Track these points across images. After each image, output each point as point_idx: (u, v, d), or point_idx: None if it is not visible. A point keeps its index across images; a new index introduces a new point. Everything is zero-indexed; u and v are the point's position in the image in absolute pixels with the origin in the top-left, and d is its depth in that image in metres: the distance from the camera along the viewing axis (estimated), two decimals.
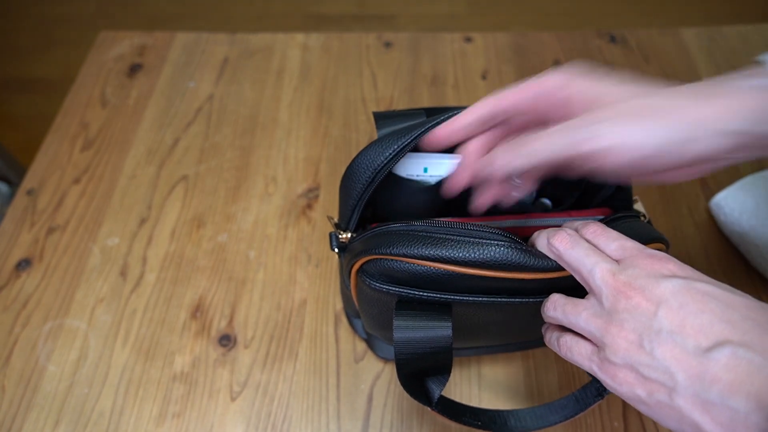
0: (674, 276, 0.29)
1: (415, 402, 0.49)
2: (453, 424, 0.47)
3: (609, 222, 0.37)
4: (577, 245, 0.32)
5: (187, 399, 0.50)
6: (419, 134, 0.37)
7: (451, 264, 0.34)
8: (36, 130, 1.60)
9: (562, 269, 0.34)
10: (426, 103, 0.71)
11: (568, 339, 0.32)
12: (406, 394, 0.50)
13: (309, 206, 0.62)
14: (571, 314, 0.32)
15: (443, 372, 0.37)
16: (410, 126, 0.39)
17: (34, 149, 0.69)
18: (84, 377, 0.51)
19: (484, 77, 0.73)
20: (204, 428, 0.48)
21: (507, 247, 0.33)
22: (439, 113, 0.40)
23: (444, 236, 0.34)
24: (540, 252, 0.34)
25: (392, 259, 0.35)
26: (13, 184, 1.17)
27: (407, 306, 0.36)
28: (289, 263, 0.58)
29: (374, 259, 0.36)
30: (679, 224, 0.60)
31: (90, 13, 1.89)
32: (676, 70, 0.73)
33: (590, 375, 0.39)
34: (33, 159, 0.66)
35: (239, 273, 0.57)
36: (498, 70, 0.74)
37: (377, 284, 0.36)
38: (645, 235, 0.36)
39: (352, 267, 0.38)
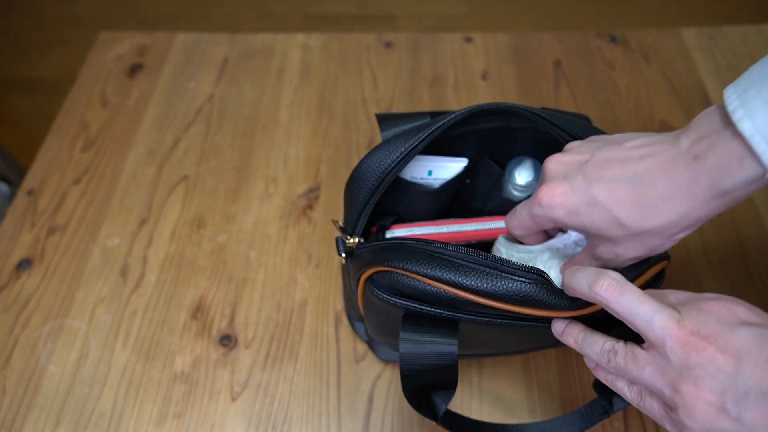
0: (749, 323, 0.25)
1: None
2: None
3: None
4: (627, 291, 0.28)
5: (188, 399, 0.50)
6: (426, 136, 0.37)
7: (465, 291, 0.33)
8: (36, 130, 1.59)
9: (585, 306, 0.33)
10: (426, 103, 0.71)
11: (637, 390, 0.29)
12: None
13: (309, 206, 0.62)
14: (632, 368, 0.28)
15: (449, 387, 0.37)
16: (416, 128, 0.38)
17: (34, 149, 0.69)
18: (84, 378, 0.51)
19: (484, 77, 0.73)
20: (204, 429, 0.48)
21: (526, 284, 0.32)
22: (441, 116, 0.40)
23: (461, 262, 0.34)
24: (564, 293, 0.33)
25: (404, 275, 0.34)
26: (13, 184, 1.17)
27: (414, 321, 0.36)
28: (289, 264, 0.58)
29: (385, 271, 0.36)
30: None
31: (90, 14, 1.89)
32: (676, 70, 0.73)
33: (597, 393, 0.39)
34: (33, 159, 0.66)
35: (239, 273, 0.57)
36: (498, 70, 0.74)
37: (385, 296, 0.36)
38: None
39: (360, 275, 0.38)
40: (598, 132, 0.39)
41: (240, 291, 0.56)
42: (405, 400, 0.49)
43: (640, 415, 0.48)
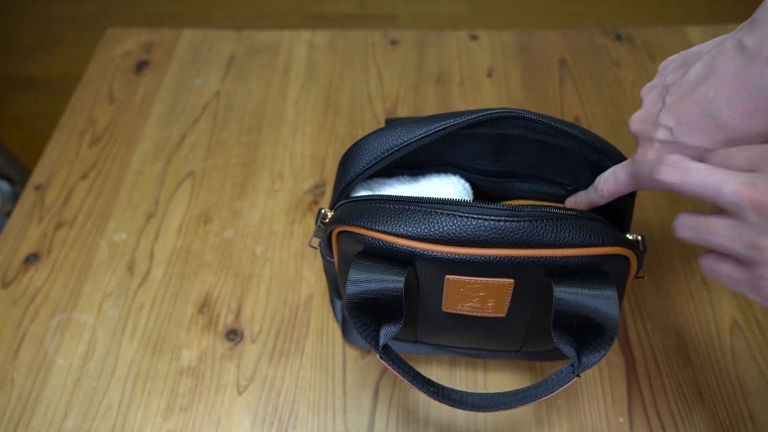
0: None
1: (421, 396, 0.49)
2: (432, 401, 0.47)
3: (570, 219, 0.36)
4: (691, 170, 0.28)
5: (195, 393, 0.50)
6: (434, 132, 0.37)
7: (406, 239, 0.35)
8: (37, 128, 1.60)
9: (514, 246, 0.34)
10: (432, 100, 0.71)
11: (709, 260, 0.29)
12: (411, 390, 0.50)
13: (315, 202, 0.62)
14: (705, 233, 0.28)
15: (396, 320, 0.36)
16: (425, 119, 0.39)
17: (35, 147, 0.69)
18: (92, 371, 0.51)
19: (489, 75, 0.74)
20: (211, 422, 0.48)
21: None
22: (443, 118, 0.40)
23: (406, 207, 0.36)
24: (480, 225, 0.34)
25: (354, 231, 0.36)
26: (15, 183, 1.17)
27: (369, 255, 0.37)
28: (295, 259, 0.58)
29: (343, 230, 0.37)
30: None
31: (91, 13, 1.89)
32: None
33: (557, 342, 0.36)
34: (35, 157, 0.67)
35: (246, 268, 0.57)
36: (504, 67, 0.74)
37: (353, 235, 0.37)
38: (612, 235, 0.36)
39: (331, 233, 0.39)
40: (620, 155, 0.40)
41: (246, 286, 0.56)
42: (410, 395, 0.49)
43: (645, 410, 0.48)
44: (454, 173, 0.46)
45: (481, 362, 0.51)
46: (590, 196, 0.41)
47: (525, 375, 0.50)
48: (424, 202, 0.35)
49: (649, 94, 0.36)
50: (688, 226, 0.29)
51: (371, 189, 0.44)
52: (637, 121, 0.36)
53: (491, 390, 0.50)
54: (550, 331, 0.35)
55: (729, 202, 0.27)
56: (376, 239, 0.35)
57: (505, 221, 0.33)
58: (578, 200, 0.43)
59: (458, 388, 0.50)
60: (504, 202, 0.48)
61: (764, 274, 0.25)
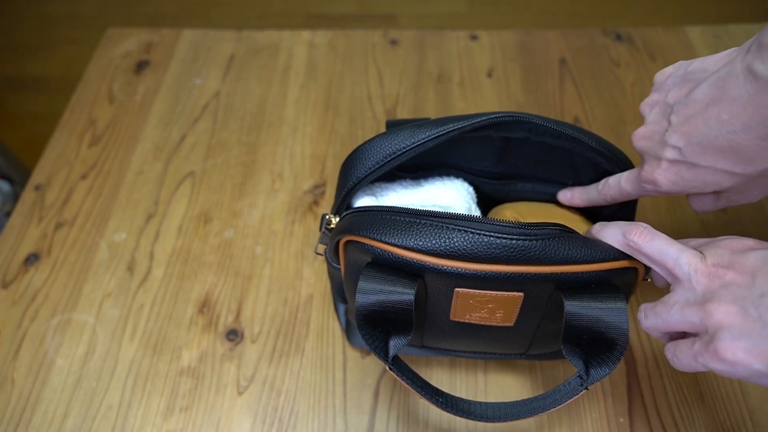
0: (757, 248, 0.29)
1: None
2: (437, 409, 0.47)
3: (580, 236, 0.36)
4: (657, 237, 0.32)
5: (195, 393, 0.50)
6: (438, 136, 0.37)
7: (416, 252, 0.35)
8: (37, 128, 1.60)
9: (525, 263, 0.34)
10: (432, 100, 0.71)
11: (670, 347, 0.32)
12: (412, 390, 0.50)
13: (315, 203, 0.62)
14: (663, 313, 0.31)
15: (405, 331, 0.36)
16: (427, 124, 0.39)
17: (35, 147, 0.69)
18: (92, 371, 0.51)
19: (489, 75, 0.74)
20: (211, 422, 0.48)
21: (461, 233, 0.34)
22: (447, 122, 0.40)
23: (417, 220, 0.36)
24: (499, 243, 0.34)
25: (364, 242, 0.36)
26: (15, 183, 1.17)
27: (378, 266, 0.36)
28: (295, 259, 0.58)
29: (351, 240, 0.37)
30: (685, 222, 0.60)
31: (91, 13, 1.89)
32: None
33: (566, 355, 0.37)
34: (35, 157, 0.67)
35: (246, 268, 0.57)
36: (504, 68, 0.74)
37: (359, 244, 0.37)
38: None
39: (338, 242, 0.39)
40: (626, 159, 0.40)
41: (246, 286, 0.56)
42: (410, 395, 0.49)
43: (645, 410, 0.48)
44: (457, 176, 0.46)
45: (482, 363, 0.51)
46: (590, 194, 0.41)
47: (525, 376, 0.50)
48: (435, 216, 0.35)
49: (651, 111, 0.36)
50: (650, 308, 0.33)
51: (373, 193, 0.44)
52: (641, 138, 0.36)
53: (492, 391, 0.50)
54: (556, 335, 0.35)
55: (681, 270, 0.31)
56: (385, 251, 0.35)
57: (517, 240, 0.33)
58: (574, 195, 0.43)
59: (459, 389, 0.50)
60: (508, 203, 0.48)
61: (715, 336, 0.28)
